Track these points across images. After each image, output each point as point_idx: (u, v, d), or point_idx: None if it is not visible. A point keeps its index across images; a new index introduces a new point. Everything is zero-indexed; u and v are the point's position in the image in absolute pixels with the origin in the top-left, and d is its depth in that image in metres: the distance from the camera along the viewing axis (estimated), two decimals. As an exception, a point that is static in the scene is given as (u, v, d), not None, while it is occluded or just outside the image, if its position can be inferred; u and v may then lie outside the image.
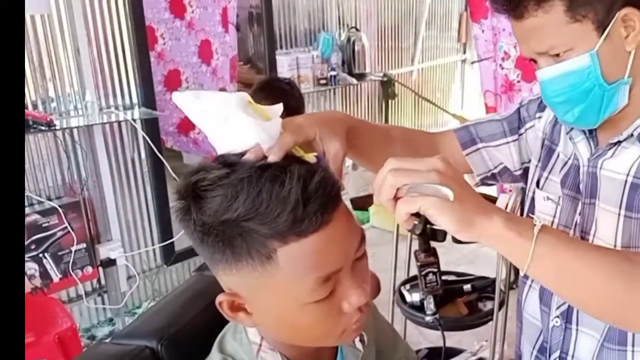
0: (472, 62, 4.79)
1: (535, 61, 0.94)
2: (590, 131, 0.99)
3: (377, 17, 4.30)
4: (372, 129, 1.01)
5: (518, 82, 2.89)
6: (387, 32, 4.44)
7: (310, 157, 0.70)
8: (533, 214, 1.10)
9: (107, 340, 0.89)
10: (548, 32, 0.87)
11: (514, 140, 1.13)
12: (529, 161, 1.13)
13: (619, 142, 0.94)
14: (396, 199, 0.68)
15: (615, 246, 0.93)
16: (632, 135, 0.92)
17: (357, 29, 3.98)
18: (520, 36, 0.92)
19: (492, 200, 2.21)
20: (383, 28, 4.39)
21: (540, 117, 1.10)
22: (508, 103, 2.85)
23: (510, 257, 0.72)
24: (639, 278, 0.70)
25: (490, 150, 1.13)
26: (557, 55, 0.88)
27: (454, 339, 2.39)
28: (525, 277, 1.13)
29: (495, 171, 1.15)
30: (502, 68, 2.93)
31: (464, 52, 5.27)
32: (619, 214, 0.92)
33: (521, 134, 1.13)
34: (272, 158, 0.65)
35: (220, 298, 0.69)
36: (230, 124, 0.68)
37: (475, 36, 3.09)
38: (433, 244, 2.07)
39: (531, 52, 0.92)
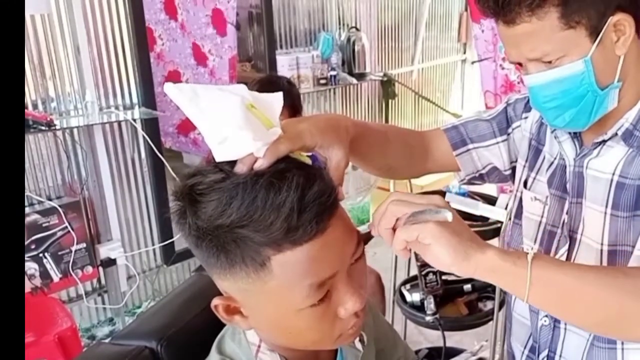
0: (473, 62, 4.79)
1: (521, 65, 0.93)
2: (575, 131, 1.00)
3: (377, 17, 4.30)
4: (372, 133, 1.01)
5: (518, 82, 2.88)
6: (387, 32, 4.43)
7: (306, 159, 0.69)
8: (521, 214, 1.11)
9: (107, 341, 0.89)
10: (541, 39, 0.87)
11: (503, 140, 1.14)
12: (517, 160, 1.14)
13: (604, 141, 0.95)
14: (395, 230, 0.69)
15: (602, 244, 0.94)
16: (616, 134, 0.93)
17: (357, 29, 3.98)
18: (510, 41, 0.91)
19: (492, 200, 2.21)
20: (383, 28, 4.38)
21: (526, 118, 1.11)
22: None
23: (508, 288, 0.73)
24: (635, 289, 0.72)
25: (481, 150, 1.14)
26: (550, 61, 0.88)
27: (454, 339, 2.39)
28: None
29: (483, 172, 1.16)
30: (503, 68, 2.93)
31: (464, 52, 5.27)
32: (605, 213, 0.94)
33: (509, 134, 1.14)
34: (260, 163, 0.63)
35: (215, 301, 0.68)
36: (229, 136, 0.65)
37: (476, 36, 3.09)
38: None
39: (521, 57, 0.91)
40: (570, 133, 1.00)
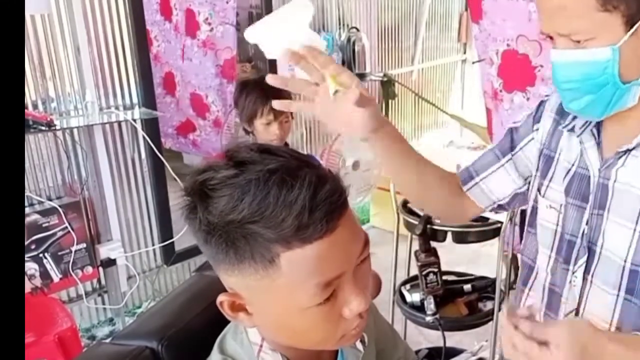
0: (474, 62, 4.79)
1: (551, 38, 0.91)
2: (599, 134, 0.97)
3: (377, 17, 4.30)
4: (411, 150, 1.09)
5: (500, 91, 2.83)
6: (387, 32, 4.43)
7: (332, 88, 0.91)
8: (535, 221, 1.09)
9: (107, 341, 0.89)
10: (575, 15, 0.84)
11: (507, 161, 1.13)
12: (532, 175, 1.12)
13: (628, 150, 0.92)
14: None
15: (625, 261, 0.92)
16: None
17: (357, 29, 3.98)
18: (545, 12, 0.89)
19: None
20: (383, 28, 4.38)
21: (537, 129, 1.09)
22: (499, 110, 2.75)
23: None
24: None
25: (487, 180, 1.15)
26: (578, 41, 0.86)
27: (454, 339, 2.39)
28: (523, 284, 1.13)
29: (502, 202, 1.16)
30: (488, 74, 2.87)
31: (464, 52, 5.27)
32: (635, 230, 0.90)
33: (515, 153, 1.13)
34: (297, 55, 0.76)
35: (221, 298, 0.69)
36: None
37: (475, 36, 3.07)
38: (433, 244, 2.09)
39: (552, 29, 0.89)
40: (595, 138, 0.97)
